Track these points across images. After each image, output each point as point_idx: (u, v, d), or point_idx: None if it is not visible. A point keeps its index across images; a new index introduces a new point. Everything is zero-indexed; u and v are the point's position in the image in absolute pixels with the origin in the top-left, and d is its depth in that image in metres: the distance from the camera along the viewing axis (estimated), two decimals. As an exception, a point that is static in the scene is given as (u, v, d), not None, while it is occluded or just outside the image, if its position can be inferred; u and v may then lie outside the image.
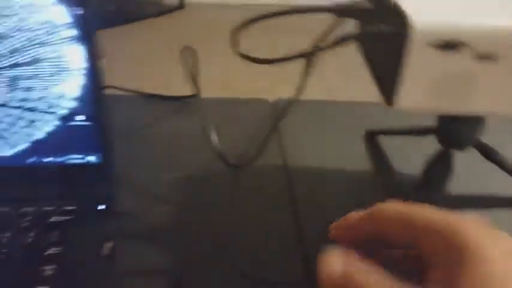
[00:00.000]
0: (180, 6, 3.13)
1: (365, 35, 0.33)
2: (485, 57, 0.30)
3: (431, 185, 0.41)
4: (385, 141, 0.50)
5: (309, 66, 0.37)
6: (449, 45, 0.29)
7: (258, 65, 0.36)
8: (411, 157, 0.44)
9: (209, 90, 0.54)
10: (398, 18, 0.30)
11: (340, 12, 0.33)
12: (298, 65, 0.38)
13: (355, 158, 0.48)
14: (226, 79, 2.04)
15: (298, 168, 0.45)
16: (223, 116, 0.52)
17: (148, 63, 2.30)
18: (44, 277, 0.29)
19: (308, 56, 0.35)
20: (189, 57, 0.45)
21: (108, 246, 0.32)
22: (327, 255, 0.19)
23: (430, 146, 0.40)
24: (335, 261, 0.19)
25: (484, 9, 0.31)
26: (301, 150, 0.48)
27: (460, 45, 0.29)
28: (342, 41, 0.32)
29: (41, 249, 0.31)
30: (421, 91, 0.31)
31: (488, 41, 0.29)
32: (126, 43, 2.48)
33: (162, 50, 2.49)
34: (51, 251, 0.31)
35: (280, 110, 0.46)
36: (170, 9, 3.09)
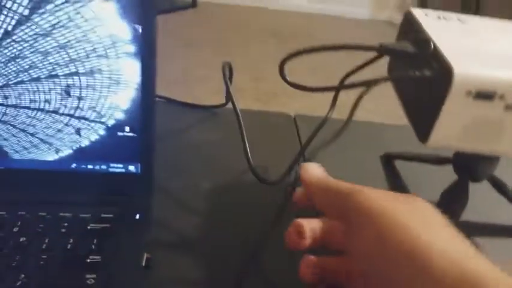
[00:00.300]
0: (193, 5, 3.13)
1: (404, 76, 0.35)
2: (515, 107, 0.32)
3: (448, 212, 0.43)
4: (402, 164, 0.53)
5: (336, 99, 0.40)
6: (484, 95, 0.32)
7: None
8: (427, 183, 0.46)
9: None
10: (441, 66, 0.32)
11: (385, 51, 0.35)
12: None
13: (376, 180, 0.50)
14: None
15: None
16: (250, 126, 0.54)
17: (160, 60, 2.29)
18: (87, 285, 0.30)
19: (347, 88, 0.37)
20: (226, 69, 0.47)
21: (145, 256, 0.33)
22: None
23: (446, 173, 0.42)
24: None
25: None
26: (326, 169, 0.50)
27: (494, 95, 0.32)
28: (384, 80, 0.35)
29: (81, 256, 0.31)
30: (454, 133, 0.34)
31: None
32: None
33: (173, 47, 2.49)
34: (91, 259, 0.31)
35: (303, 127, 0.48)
36: (183, 7, 3.09)
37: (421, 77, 0.33)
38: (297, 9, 3.38)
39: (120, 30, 0.32)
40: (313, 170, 0.32)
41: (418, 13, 0.40)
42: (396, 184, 0.51)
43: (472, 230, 0.45)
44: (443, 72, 0.32)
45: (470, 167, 0.42)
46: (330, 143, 0.55)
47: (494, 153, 0.37)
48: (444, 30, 0.37)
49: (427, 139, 0.34)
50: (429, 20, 0.39)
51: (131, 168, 0.36)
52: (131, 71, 0.33)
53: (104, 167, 0.36)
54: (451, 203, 0.43)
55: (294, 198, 0.33)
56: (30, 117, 0.34)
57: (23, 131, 0.34)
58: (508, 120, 0.33)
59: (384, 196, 0.27)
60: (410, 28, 0.39)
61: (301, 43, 3.11)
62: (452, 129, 0.33)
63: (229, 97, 0.49)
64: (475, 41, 0.37)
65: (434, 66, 0.33)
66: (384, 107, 0.36)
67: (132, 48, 0.33)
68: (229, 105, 0.51)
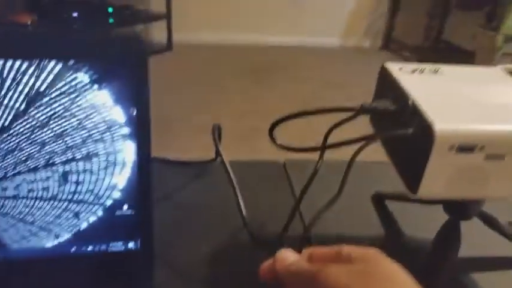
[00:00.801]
0: (169, 48, 3.18)
1: (388, 135, 0.37)
2: (494, 157, 0.34)
3: (445, 254, 0.45)
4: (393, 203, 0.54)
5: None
6: (466, 148, 0.34)
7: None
8: (419, 223, 0.48)
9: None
10: (422, 123, 0.34)
11: (366, 112, 0.37)
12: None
13: (370, 222, 0.51)
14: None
15: (318, 235, 0.47)
16: (239, 179, 0.54)
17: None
18: None
19: (332, 148, 0.39)
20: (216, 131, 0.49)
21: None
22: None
23: (438, 212, 0.44)
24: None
25: (493, 115, 0.36)
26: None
27: (475, 147, 0.34)
28: (367, 139, 0.36)
29: None
30: (441, 183, 0.35)
31: (497, 143, 0.34)
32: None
33: (153, 91, 2.50)
34: None
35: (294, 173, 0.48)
36: (159, 50, 3.14)
37: (404, 134, 0.35)
38: (272, 44, 3.47)
39: (114, 114, 0.33)
40: (287, 258, 0.32)
41: (393, 68, 0.42)
42: (390, 227, 0.52)
43: (468, 266, 0.47)
44: (425, 130, 0.34)
45: (459, 207, 0.44)
46: (320, 188, 0.56)
47: (480, 198, 0.39)
48: (420, 84, 0.40)
49: (416, 191, 0.36)
50: (404, 75, 0.41)
51: (131, 245, 0.37)
52: (127, 151, 0.34)
53: (103, 247, 0.36)
54: (446, 243, 0.44)
55: (261, 269, 0.33)
56: (28, 206, 0.34)
57: (22, 220, 0.34)
58: (489, 168, 0.35)
59: (344, 274, 0.28)
60: (387, 84, 0.42)
61: (277, 77, 3.17)
62: (439, 180, 0.35)
63: (218, 155, 0.50)
64: (451, 93, 0.39)
65: (415, 124, 0.35)
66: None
67: (127, 130, 0.34)
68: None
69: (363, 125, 0.45)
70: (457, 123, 0.34)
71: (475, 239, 0.47)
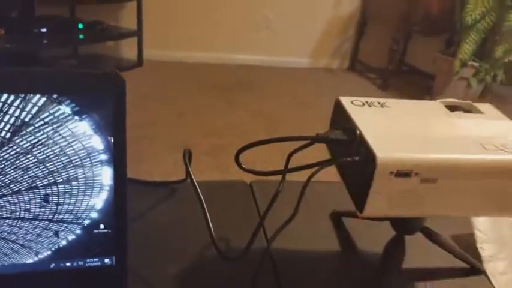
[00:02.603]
0: (139, 64, 3.19)
1: (340, 162, 0.42)
2: (428, 181, 0.40)
3: (391, 266, 0.50)
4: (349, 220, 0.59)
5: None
6: (403, 173, 0.39)
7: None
8: (371, 237, 0.53)
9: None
10: (366, 152, 0.39)
11: (321, 140, 0.43)
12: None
13: (328, 236, 0.56)
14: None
15: (281, 252, 0.52)
16: (207, 199, 0.58)
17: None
18: None
19: (292, 171, 0.44)
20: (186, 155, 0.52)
21: None
22: None
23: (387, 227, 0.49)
24: None
25: (428, 144, 0.41)
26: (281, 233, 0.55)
27: (411, 173, 0.39)
28: (321, 165, 0.42)
29: None
30: (383, 204, 0.41)
31: (430, 169, 0.40)
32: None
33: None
34: None
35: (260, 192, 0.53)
36: (129, 67, 3.14)
37: (354, 161, 0.40)
38: (242, 63, 3.54)
39: (93, 142, 0.37)
40: None
41: (345, 101, 0.48)
42: (346, 242, 0.57)
43: (412, 276, 0.53)
44: (368, 158, 0.39)
45: (403, 223, 0.50)
46: (283, 207, 0.61)
47: (417, 216, 0.45)
48: (368, 117, 0.45)
49: (362, 210, 0.41)
50: (355, 108, 0.47)
51: (107, 261, 0.40)
52: (105, 176, 0.38)
53: (81, 263, 0.39)
54: (393, 257, 0.50)
55: None
56: (11, 226, 0.37)
57: (4, 239, 0.37)
58: (425, 190, 0.40)
59: None
60: (340, 115, 0.47)
61: (247, 95, 3.21)
62: (382, 201, 0.40)
63: (189, 177, 0.54)
64: (394, 124, 0.45)
65: (361, 152, 0.40)
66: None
67: (105, 157, 0.37)
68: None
69: (323, 149, 0.51)
70: (396, 152, 0.40)
71: (419, 252, 0.53)
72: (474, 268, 0.53)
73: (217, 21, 3.46)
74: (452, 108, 0.51)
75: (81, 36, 2.89)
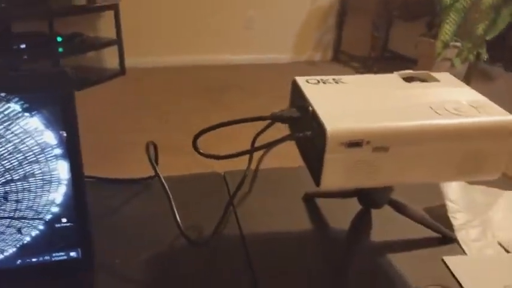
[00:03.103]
0: (122, 72, 3.19)
1: (297, 136, 0.43)
2: (380, 149, 0.41)
3: (356, 238, 0.51)
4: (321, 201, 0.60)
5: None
6: (354, 143, 0.40)
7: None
8: (341, 214, 0.54)
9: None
10: (318, 126, 0.40)
11: (276, 119, 0.43)
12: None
13: (300, 217, 0.57)
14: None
15: (253, 234, 0.53)
16: (181, 192, 0.59)
17: (92, 131, 2.28)
18: None
19: (255, 151, 0.45)
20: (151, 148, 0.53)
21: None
22: None
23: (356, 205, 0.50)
24: None
25: (380, 114, 0.42)
26: (253, 217, 0.56)
27: (362, 142, 0.40)
28: (281, 140, 0.42)
29: None
30: (339, 175, 0.42)
31: (381, 138, 0.40)
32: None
33: (107, 117, 2.50)
34: None
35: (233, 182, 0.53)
36: (112, 75, 3.14)
37: (306, 136, 0.41)
38: (225, 63, 3.55)
39: (47, 138, 0.37)
40: None
41: (301, 80, 0.49)
42: (318, 221, 0.58)
43: (381, 249, 0.53)
44: (320, 131, 0.40)
45: (368, 197, 0.51)
46: (255, 194, 0.62)
47: (376, 185, 0.46)
48: (321, 93, 0.46)
49: (319, 183, 0.42)
50: (309, 86, 0.48)
51: (72, 254, 0.41)
52: (61, 170, 0.38)
53: (47, 257, 0.40)
54: (358, 229, 0.51)
55: None
56: (-28, 226, 0.37)
57: (-33, 239, 0.37)
58: (378, 159, 0.41)
59: None
60: (296, 94, 0.48)
61: (231, 94, 3.22)
62: (337, 173, 0.41)
63: (156, 174, 0.55)
64: (346, 99, 0.46)
65: (313, 127, 0.41)
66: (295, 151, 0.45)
67: (59, 151, 0.38)
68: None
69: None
70: (345, 123, 0.40)
71: (388, 225, 0.54)
72: (446, 237, 0.54)
73: (198, 23, 3.46)
74: (409, 79, 0.52)
75: (60, 50, 2.88)
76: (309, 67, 3.71)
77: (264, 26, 3.58)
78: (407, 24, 3.59)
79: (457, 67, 3.08)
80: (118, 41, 3.12)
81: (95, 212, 0.52)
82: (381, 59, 3.63)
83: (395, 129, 0.41)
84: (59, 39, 2.90)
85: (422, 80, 0.52)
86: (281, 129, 0.47)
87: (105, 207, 0.56)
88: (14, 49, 2.74)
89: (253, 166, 0.61)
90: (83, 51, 3.17)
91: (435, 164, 0.43)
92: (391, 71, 0.53)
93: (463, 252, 0.52)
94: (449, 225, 0.56)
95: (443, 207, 0.59)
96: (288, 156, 0.61)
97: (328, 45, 3.85)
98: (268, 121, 0.46)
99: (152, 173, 0.61)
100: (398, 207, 0.54)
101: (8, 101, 0.36)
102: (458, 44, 3.06)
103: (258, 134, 0.53)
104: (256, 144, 0.47)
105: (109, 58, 3.31)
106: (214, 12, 3.45)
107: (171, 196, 0.51)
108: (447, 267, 0.50)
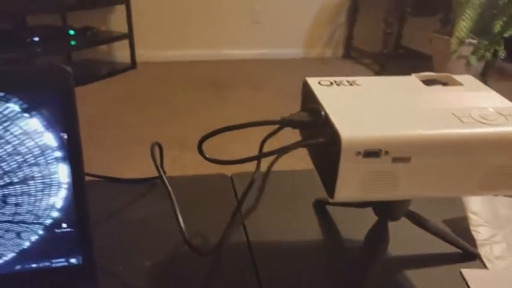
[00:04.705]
0: (133, 66, 3.20)
1: (306, 144, 0.41)
2: (400, 160, 0.38)
3: (372, 251, 0.48)
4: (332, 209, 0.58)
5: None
6: (371, 153, 0.37)
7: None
8: (355, 224, 0.51)
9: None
10: (331, 132, 0.38)
11: (286, 124, 0.41)
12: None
13: (310, 225, 0.55)
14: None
15: (260, 244, 0.51)
16: (187, 194, 0.57)
17: (102, 125, 2.28)
18: None
19: (262, 157, 0.42)
20: (155, 148, 0.51)
21: None
22: None
23: (371, 214, 0.47)
24: None
25: (399, 121, 0.40)
26: (260, 223, 0.54)
27: (380, 152, 0.38)
28: (291, 147, 0.40)
29: None
30: (354, 186, 0.39)
31: (401, 147, 0.38)
32: (81, 105, 2.49)
33: (117, 111, 2.50)
34: None
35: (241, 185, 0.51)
36: (123, 69, 3.15)
37: (318, 143, 0.39)
38: (234, 58, 3.52)
39: (47, 139, 0.35)
40: None
41: (312, 82, 0.46)
42: (329, 230, 0.56)
43: (398, 263, 0.51)
44: (333, 138, 0.37)
45: (386, 208, 0.48)
46: (263, 200, 0.60)
47: (393, 198, 0.43)
48: (335, 96, 0.43)
49: (333, 195, 0.39)
50: (322, 88, 0.45)
51: (73, 260, 0.39)
52: (61, 173, 0.36)
53: (47, 263, 0.38)
54: (374, 243, 0.48)
55: None
56: (-30, 230, 0.36)
57: (-36, 243, 0.36)
58: (398, 171, 0.38)
59: None
60: (307, 97, 0.46)
61: (239, 90, 3.20)
62: (352, 184, 0.39)
63: (159, 175, 0.53)
64: (362, 103, 0.43)
65: (327, 133, 0.39)
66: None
67: (59, 154, 0.36)
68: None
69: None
70: (362, 131, 0.38)
71: (405, 239, 0.51)
72: (468, 253, 0.51)
73: (207, 17, 3.45)
74: (428, 82, 0.49)
75: (73, 43, 2.89)
76: (320, 64, 3.67)
77: (273, 21, 3.55)
78: (421, 20, 3.53)
79: (473, 65, 3.02)
80: (129, 35, 3.12)
81: (98, 214, 0.50)
82: (393, 55, 3.57)
83: (417, 139, 0.38)
84: (72, 32, 2.91)
85: (444, 83, 0.49)
86: (291, 131, 0.45)
87: (108, 208, 0.54)
88: (28, 42, 2.75)
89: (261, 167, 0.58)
90: (94, 44, 3.17)
91: (458, 176, 0.39)
92: (404, 67, 0.51)
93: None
94: (471, 240, 0.53)
95: (464, 220, 0.56)
96: (295, 156, 0.58)
97: (339, 42, 3.81)
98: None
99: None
100: (417, 220, 0.51)
101: (7, 101, 0.34)
102: (474, 41, 2.99)
103: (267, 138, 0.50)
104: (265, 148, 0.44)
105: (120, 52, 3.32)
106: (223, 7, 3.43)
107: (175, 201, 0.49)
108: (465, 281, 0.47)
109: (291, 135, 0.47)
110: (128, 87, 2.91)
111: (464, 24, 2.89)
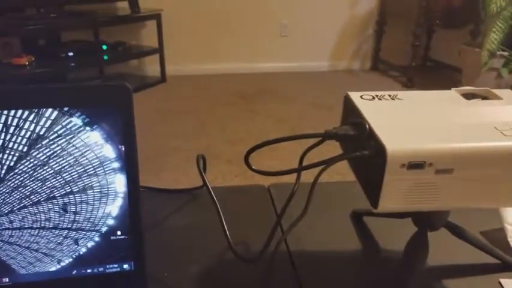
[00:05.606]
0: (163, 80, 3.28)
1: (350, 157, 0.42)
2: (443, 171, 0.39)
3: (412, 262, 0.49)
4: (369, 219, 0.58)
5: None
6: (415, 165, 0.38)
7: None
8: (393, 235, 0.52)
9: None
10: (376, 145, 0.39)
11: (329, 137, 0.42)
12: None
13: (349, 236, 0.55)
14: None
15: (300, 253, 0.51)
16: (228, 203, 0.58)
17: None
18: None
19: (306, 169, 0.44)
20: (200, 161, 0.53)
21: None
22: None
23: (409, 224, 0.48)
24: None
25: (441, 134, 0.40)
26: (300, 233, 0.55)
27: (424, 164, 0.38)
28: (336, 160, 0.41)
29: None
30: (398, 198, 0.40)
31: (444, 160, 0.39)
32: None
33: (147, 123, 2.57)
34: None
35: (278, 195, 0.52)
36: (153, 83, 3.24)
37: (363, 155, 0.40)
38: (262, 71, 3.56)
39: (105, 151, 0.38)
40: None
41: (354, 96, 0.48)
42: (367, 242, 0.56)
43: (437, 274, 0.51)
44: (378, 151, 0.38)
45: (426, 219, 0.48)
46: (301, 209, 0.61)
47: (434, 209, 0.44)
48: (378, 110, 0.45)
49: (377, 206, 0.40)
50: (364, 102, 0.46)
51: (125, 266, 0.41)
52: (118, 183, 0.39)
53: (101, 269, 0.40)
54: (414, 253, 0.49)
55: None
56: (33, 235, 0.38)
57: (28, 248, 0.38)
58: (441, 182, 0.39)
59: None
60: (350, 111, 0.47)
61: (267, 102, 3.22)
62: (396, 195, 0.40)
63: (205, 185, 0.55)
64: (405, 116, 0.44)
65: (371, 146, 0.40)
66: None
67: (117, 165, 0.38)
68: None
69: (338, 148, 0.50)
70: (406, 143, 0.39)
71: (444, 249, 0.51)
72: (506, 263, 0.51)
73: (235, 32, 3.50)
74: (468, 96, 0.49)
75: (105, 57, 2.98)
76: (347, 76, 3.66)
77: (300, 34, 3.58)
78: (450, 32, 3.49)
79: (505, 77, 2.96)
80: (160, 50, 3.20)
81: (145, 223, 0.52)
82: (422, 68, 3.54)
83: (460, 151, 0.39)
84: (104, 47, 3.00)
85: (484, 98, 0.50)
86: (330, 144, 0.46)
87: (153, 217, 0.56)
88: (62, 57, 2.86)
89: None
90: (126, 59, 3.27)
91: (500, 188, 0.41)
92: (432, 80, 0.51)
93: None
94: (509, 250, 0.53)
95: (500, 231, 0.56)
96: (330, 168, 0.59)
97: (367, 54, 3.79)
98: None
99: (197, 184, 0.61)
100: (455, 230, 0.51)
101: (71, 115, 0.36)
102: (505, 53, 2.94)
103: (308, 150, 0.52)
104: (305, 161, 0.46)
105: (150, 66, 3.40)
106: (251, 21, 3.48)
107: (220, 209, 0.50)
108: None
109: (330, 148, 0.48)
110: (158, 100, 2.98)
111: (495, 37, 2.85)
